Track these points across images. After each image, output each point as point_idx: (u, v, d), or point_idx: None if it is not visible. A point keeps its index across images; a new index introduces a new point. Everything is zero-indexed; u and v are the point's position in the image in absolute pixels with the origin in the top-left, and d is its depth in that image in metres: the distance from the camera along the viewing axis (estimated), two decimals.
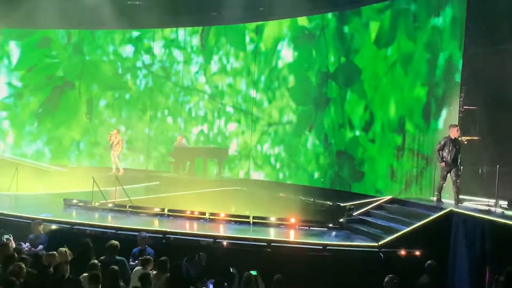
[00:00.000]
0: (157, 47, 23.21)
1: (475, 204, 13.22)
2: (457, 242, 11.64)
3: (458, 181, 13.09)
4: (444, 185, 13.35)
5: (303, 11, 19.53)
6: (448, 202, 13.69)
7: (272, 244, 12.08)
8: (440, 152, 13.09)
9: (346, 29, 18.42)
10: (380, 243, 12.07)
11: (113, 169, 20.88)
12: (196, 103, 22.76)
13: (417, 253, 11.58)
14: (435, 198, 13.72)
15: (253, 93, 21.40)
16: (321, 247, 11.93)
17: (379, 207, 14.48)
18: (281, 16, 20.29)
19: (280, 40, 20.57)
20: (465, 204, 13.22)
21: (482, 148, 14.24)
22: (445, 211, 12.27)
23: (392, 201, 14.62)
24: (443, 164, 13.08)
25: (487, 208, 12.46)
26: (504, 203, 12.81)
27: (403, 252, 11.68)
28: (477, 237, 11.15)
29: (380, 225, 13.32)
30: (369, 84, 17.68)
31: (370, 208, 14.48)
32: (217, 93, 22.31)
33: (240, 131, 21.79)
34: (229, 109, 22.08)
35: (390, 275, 9.50)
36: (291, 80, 20.25)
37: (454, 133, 13.04)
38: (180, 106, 22.94)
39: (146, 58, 23.41)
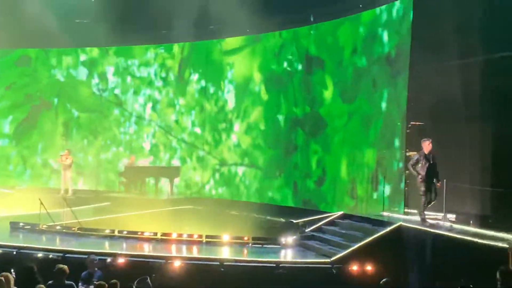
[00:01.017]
0: (110, 73, 22.78)
1: (426, 218, 13.39)
2: (408, 257, 11.77)
3: (433, 198, 12.52)
4: (426, 201, 12.59)
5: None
6: (399, 216, 13.92)
7: (225, 263, 11.98)
8: (414, 167, 12.55)
9: (312, 79, 18.15)
10: (332, 259, 12.12)
11: (62, 190, 20.43)
12: (147, 134, 22.40)
13: (369, 268, 11.67)
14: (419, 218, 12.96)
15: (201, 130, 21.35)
16: (274, 265, 11.89)
17: (331, 223, 14.57)
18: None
19: (251, 80, 20.07)
20: (414, 218, 13.40)
21: None
22: (395, 225, 12.45)
23: (343, 216, 14.74)
24: (420, 177, 12.44)
25: (435, 222, 12.67)
26: (452, 216, 13.08)
27: (354, 268, 11.75)
28: (426, 251, 11.32)
29: (332, 241, 13.40)
30: (331, 138, 17.58)
31: (322, 224, 14.56)
32: (168, 127, 22.02)
33: (191, 166, 21.63)
34: (175, 143, 21.91)
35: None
36: (261, 122, 19.83)
37: (426, 147, 12.48)
38: (130, 136, 22.61)
39: (98, 81, 22.89)
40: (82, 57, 22.97)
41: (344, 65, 17.15)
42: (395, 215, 14.19)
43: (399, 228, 12.33)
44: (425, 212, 12.68)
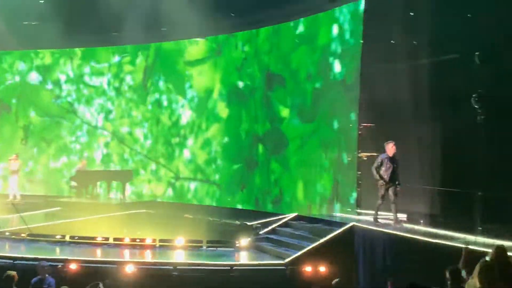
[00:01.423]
0: (64, 80, 22.30)
1: (377, 218, 13.56)
2: (360, 256, 11.94)
3: (396, 199, 12.42)
4: (382, 204, 12.59)
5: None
6: (351, 216, 14.09)
7: (178, 267, 11.88)
8: (378, 170, 12.42)
9: (273, 96, 18.14)
10: (286, 260, 12.17)
11: (10, 195, 19.93)
12: (100, 143, 22.07)
13: (322, 268, 11.77)
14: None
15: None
16: (229, 268, 11.87)
17: (285, 224, 14.63)
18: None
19: (212, 93, 19.84)
20: (367, 218, 13.61)
21: None
22: (348, 226, 12.58)
23: (297, 218, 14.81)
24: (381, 183, 12.35)
25: (387, 222, 12.84)
26: (403, 216, 13.30)
27: (308, 269, 11.83)
28: (378, 251, 11.48)
29: (286, 242, 13.45)
30: (289, 157, 17.55)
31: (276, 226, 14.59)
32: (123, 137, 21.72)
33: (146, 178, 21.37)
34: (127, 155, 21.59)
35: None
36: (221, 136, 19.66)
37: (389, 150, 12.37)
38: (83, 145, 22.22)
39: (52, 87, 22.41)
40: (37, 62, 22.46)
41: (302, 86, 17.12)
42: (348, 216, 14.33)
43: (352, 229, 12.46)
44: (378, 213, 12.84)
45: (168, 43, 20.64)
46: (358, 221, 13.13)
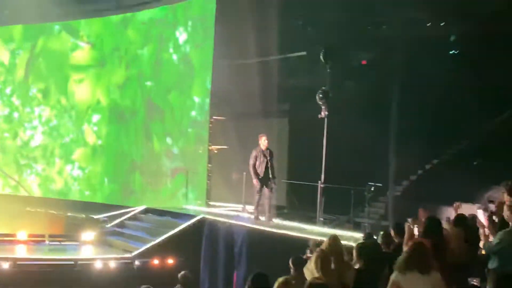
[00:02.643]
0: None
1: (226, 210, 13.80)
2: (208, 249, 12.02)
3: (271, 194, 11.82)
4: (259, 199, 11.84)
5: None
6: (201, 209, 14.19)
7: (18, 262, 11.23)
8: (254, 166, 11.71)
9: (152, 125, 16.92)
10: (133, 254, 11.95)
11: None
12: None
13: (170, 261, 11.73)
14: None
15: None
16: (72, 262, 11.43)
17: (134, 217, 14.37)
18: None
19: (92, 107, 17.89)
20: (216, 210, 13.74)
21: (231, 157, 14.98)
22: (197, 218, 12.60)
23: (146, 210, 14.60)
24: (256, 181, 11.66)
25: (236, 213, 13.08)
26: (251, 208, 13.60)
27: (156, 262, 11.73)
28: (226, 243, 11.63)
29: (134, 236, 13.21)
30: None
31: (124, 219, 14.27)
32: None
33: None
34: None
35: (144, 285, 9.43)
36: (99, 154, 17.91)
37: (263, 143, 11.76)
38: None
39: None
40: None
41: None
42: (198, 208, 14.37)
43: (201, 221, 12.49)
44: (226, 204, 12.93)
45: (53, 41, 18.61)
46: (208, 213, 13.19)
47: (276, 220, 12.05)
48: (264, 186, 11.66)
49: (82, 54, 18.14)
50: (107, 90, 17.72)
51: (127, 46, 17.36)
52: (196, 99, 15.78)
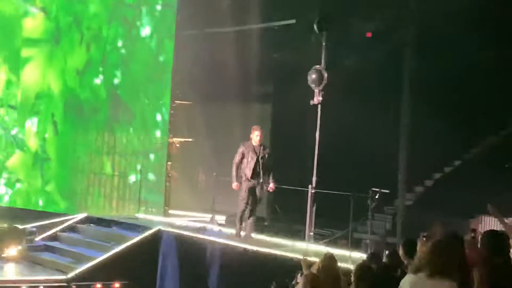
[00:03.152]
0: None
1: (189, 221, 13.84)
2: (166, 268, 12.06)
3: (252, 205, 11.69)
4: (245, 209, 11.69)
5: None
6: (157, 218, 14.17)
7: None
8: (238, 166, 11.64)
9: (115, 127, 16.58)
10: (70, 275, 11.91)
11: None
12: None
13: (117, 285, 11.73)
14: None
15: None
16: None
17: (71, 228, 14.30)
18: None
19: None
20: (177, 220, 13.80)
21: (197, 152, 14.98)
22: (152, 230, 12.62)
23: (87, 220, 14.55)
24: (236, 185, 11.62)
25: (202, 225, 13.10)
26: (221, 219, 13.63)
27: (99, 286, 11.71)
28: (191, 261, 11.67)
29: (71, 252, 13.13)
30: None
31: (59, 231, 14.21)
32: None
33: None
34: None
35: None
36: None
37: (254, 138, 11.58)
38: None
39: None
40: None
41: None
42: (154, 218, 14.40)
43: (158, 234, 12.52)
44: (191, 213, 12.92)
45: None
46: (166, 224, 13.22)
47: (257, 236, 12.07)
48: (254, 193, 11.59)
49: (33, 23, 17.61)
50: (62, 75, 17.23)
51: (90, 20, 17.03)
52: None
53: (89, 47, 16.72)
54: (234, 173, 11.62)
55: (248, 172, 11.52)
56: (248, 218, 11.80)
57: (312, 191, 11.60)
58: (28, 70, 16.80)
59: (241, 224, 11.84)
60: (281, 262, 10.09)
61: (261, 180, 11.56)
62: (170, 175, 15.14)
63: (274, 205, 15.28)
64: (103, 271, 12.00)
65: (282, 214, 14.29)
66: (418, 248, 6.49)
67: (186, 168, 15.35)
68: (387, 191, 11.40)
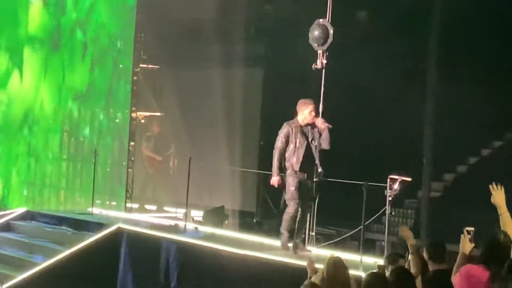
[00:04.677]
0: None
1: (158, 217, 14.05)
2: (128, 276, 12.15)
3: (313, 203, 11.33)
4: (294, 213, 10.95)
5: None
6: (116, 214, 14.21)
7: None
8: (281, 153, 11.05)
9: None
10: (4, 286, 11.95)
11: None
12: None
13: None
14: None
15: None
16: None
17: (6, 226, 14.32)
18: None
19: None
20: (141, 217, 13.96)
21: (168, 130, 14.97)
22: (111, 229, 12.65)
23: (27, 216, 14.56)
24: (277, 179, 11.04)
25: (174, 223, 13.20)
26: (198, 214, 13.67)
27: None
28: (159, 267, 11.72)
29: (5, 257, 13.19)
30: None
31: None
32: None
33: None
34: None
35: None
36: None
37: (304, 115, 11.02)
38: None
39: None
40: None
41: None
42: (112, 213, 14.49)
43: (117, 233, 12.56)
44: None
45: None
46: (128, 221, 13.26)
47: (244, 235, 12.11)
48: (307, 189, 11.08)
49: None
50: None
51: None
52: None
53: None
54: (276, 163, 11.02)
55: (296, 161, 10.96)
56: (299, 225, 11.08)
57: (315, 179, 11.46)
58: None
59: (289, 232, 11.00)
60: (275, 269, 10.12)
61: (317, 172, 11.03)
62: (133, 159, 15.11)
63: (266, 197, 15.32)
64: (48, 281, 12.01)
65: (275, 209, 14.33)
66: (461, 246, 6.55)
67: (154, 151, 15.30)
68: (409, 179, 11.41)
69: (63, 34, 15.92)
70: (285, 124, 11.06)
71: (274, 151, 11.05)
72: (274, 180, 11.01)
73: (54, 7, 16.03)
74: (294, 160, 10.90)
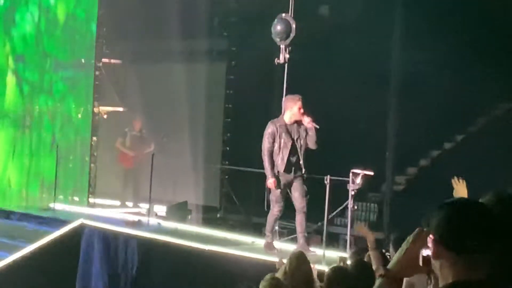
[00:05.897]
0: None
1: (121, 213, 13.97)
2: (89, 273, 12.04)
3: (304, 201, 10.84)
4: (279, 215, 10.96)
5: None
6: (78, 209, 14.08)
7: None
8: (270, 152, 10.72)
9: None
10: None
11: None
12: None
13: None
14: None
15: None
16: None
17: None
18: None
19: None
20: (104, 212, 13.91)
21: (130, 125, 14.88)
22: (73, 226, 12.54)
23: None
24: (273, 182, 10.65)
25: (137, 218, 13.12)
26: (162, 209, 13.59)
27: None
28: (122, 264, 11.66)
29: None
30: None
31: None
32: None
33: None
34: None
35: None
36: None
37: (294, 113, 10.69)
38: None
39: None
40: None
41: None
42: (74, 209, 14.37)
43: (79, 229, 12.45)
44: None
45: None
46: (90, 217, 13.17)
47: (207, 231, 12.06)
48: (292, 189, 10.84)
49: None
50: None
51: None
52: None
53: None
54: (267, 164, 10.61)
55: (281, 161, 10.67)
56: (301, 227, 10.81)
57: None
58: None
59: (271, 234, 10.98)
60: (239, 264, 10.16)
61: (301, 172, 10.75)
62: (95, 154, 15.01)
63: (229, 192, 15.31)
64: (7, 279, 11.93)
65: (238, 204, 14.31)
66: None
67: (133, 147, 15.19)
68: (372, 173, 11.39)
69: None
70: (269, 123, 10.71)
71: (262, 152, 10.66)
72: (271, 182, 10.61)
73: None
74: (279, 160, 10.63)
